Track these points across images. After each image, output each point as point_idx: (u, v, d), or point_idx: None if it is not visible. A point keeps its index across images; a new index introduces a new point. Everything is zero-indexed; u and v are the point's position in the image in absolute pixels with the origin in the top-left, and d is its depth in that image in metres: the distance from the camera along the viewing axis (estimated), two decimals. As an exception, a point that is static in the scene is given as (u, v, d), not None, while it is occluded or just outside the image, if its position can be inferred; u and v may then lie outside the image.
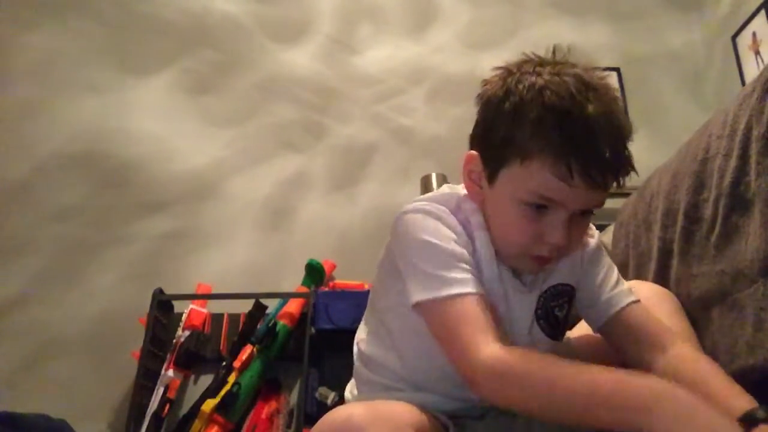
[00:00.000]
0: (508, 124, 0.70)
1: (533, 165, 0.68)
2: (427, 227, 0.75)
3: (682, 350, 0.75)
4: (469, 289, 0.70)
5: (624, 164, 0.69)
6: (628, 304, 0.81)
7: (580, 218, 0.72)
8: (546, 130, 0.67)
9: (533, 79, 0.70)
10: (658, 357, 0.75)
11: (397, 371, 0.82)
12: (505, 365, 0.64)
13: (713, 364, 0.73)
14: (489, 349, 0.65)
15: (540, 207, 0.70)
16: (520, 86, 0.70)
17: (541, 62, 0.73)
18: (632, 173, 0.72)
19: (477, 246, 0.77)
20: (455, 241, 0.74)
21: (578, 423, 0.60)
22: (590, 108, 0.66)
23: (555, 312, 0.82)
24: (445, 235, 0.74)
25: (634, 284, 0.93)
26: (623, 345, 0.80)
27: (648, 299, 0.87)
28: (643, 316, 0.80)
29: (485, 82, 0.77)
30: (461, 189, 0.82)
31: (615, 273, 0.85)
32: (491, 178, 0.74)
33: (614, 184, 0.70)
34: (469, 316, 0.69)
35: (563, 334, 0.85)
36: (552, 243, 0.71)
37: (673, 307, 0.90)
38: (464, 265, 0.72)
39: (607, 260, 0.87)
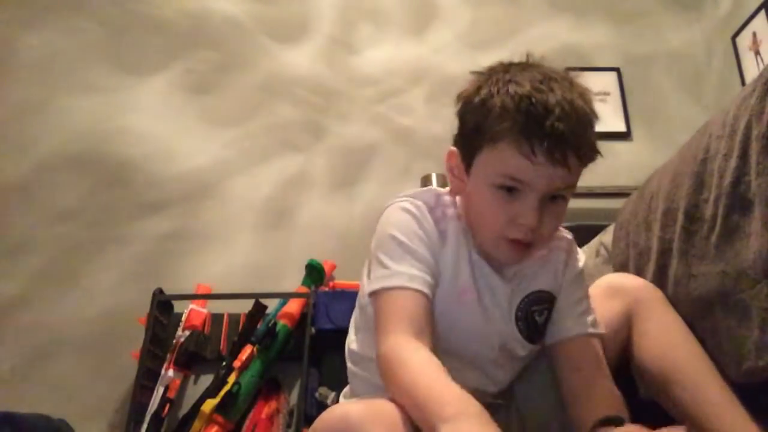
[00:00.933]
0: (477, 113, 0.77)
1: (500, 146, 0.74)
2: (399, 223, 0.81)
3: (604, 391, 0.80)
4: (414, 285, 0.75)
5: (584, 144, 0.74)
6: (589, 335, 0.85)
7: (551, 204, 0.76)
8: (510, 113, 0.73)
9: (501, 75, 0.77)
10: (583, 392, 0.80)
11: None
12: (388, 357, 0.69)
13: (619, 399, 0.79)
14: (394, 339, 0.70)
15: (511, 189, 0.75)
16: (490, 81, 0.77)
17: (511, 64, 0.80)
18: (596, 157, 0.77)
19: (449, 237, 0.82)
20: (422, 241, 0.80)
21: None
22: (551, 95, 0.72)
23: (535, 316, 0.86)
24: (413, 233, 0.80)
25: (618, 277, 0.97)
26: (565, 367, 0.85)
27: (635, 292, 0.91)
28: (592, 351, 0.84)
29: (462, 89, 0.83)
30: (444, 189, 0.89)
31: (587, 302, 0.89)
32: (467, 168, 0.80)
33: (577, 164, 0.74)
34: (399, 308, 0.74)
35: (542, 337, 0.88)
36: (525, 224, 0.74)
37: (661, 301, 0.93)
38: (419, 264, 0.77)
39: (585, 286, 0.91)
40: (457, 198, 0.87)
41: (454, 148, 0.83)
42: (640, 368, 0.89)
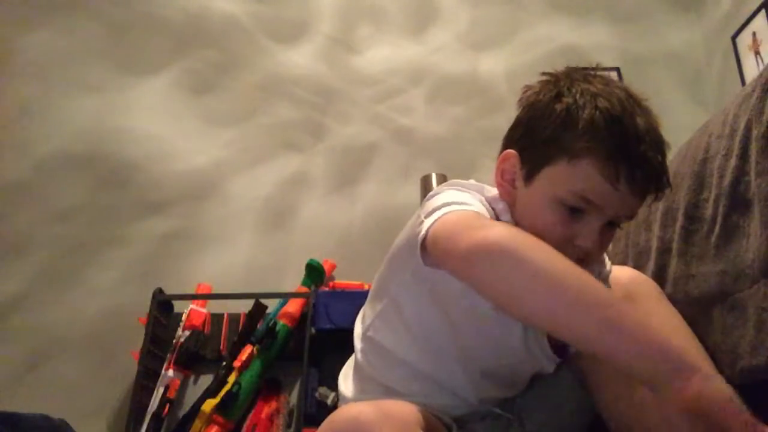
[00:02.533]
0: (558, 123, 0.71)
1: (581, 164, 0.69)
2: (464, 194, 0.75)
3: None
4: (486, 214, 0.69)
5: (665, 176, 0.71)
6: None
7: (607, 228, 0.73)
8: (599, 131, 0.68)
9: (585, 85, 0.72)
10: (628, 395, 0.75)
11: (410, 360, 0.81)
12: (498, 240, 0.60)
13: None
14: (500, 228, 0.63)
15: (575, 210, 0.70)
16: (573, 90, 0.72)
17: (588, 73, 0.76)
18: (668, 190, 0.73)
19: None
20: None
21: (555, 328, 0.57)
22: (639, 119, 0.69)
23: None
24: (478, 203, 0.74)
25: (615, 270, 0.94)
26: (598, 373, 0.81)
27: (629, 284, 0.89)
28: None
29: (528, 88, 0.78)
30: (487, 186, 0.82)
31: None
32: (529, 176, 0.74)
33: (652, 196, 0.72)
34: (483, 217, 0.68)
35: (566, 351, 0.86)
36: (582, 247, 0.71)
37: (655, 292, 0.91)
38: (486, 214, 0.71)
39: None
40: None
41: (512, 152, 0.77)
42: None
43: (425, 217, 0.71)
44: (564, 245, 0.71)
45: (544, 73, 0.77)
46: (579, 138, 0.69)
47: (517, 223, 0.76)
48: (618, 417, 0.77)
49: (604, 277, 0.87)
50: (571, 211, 0.70)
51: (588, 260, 0.74)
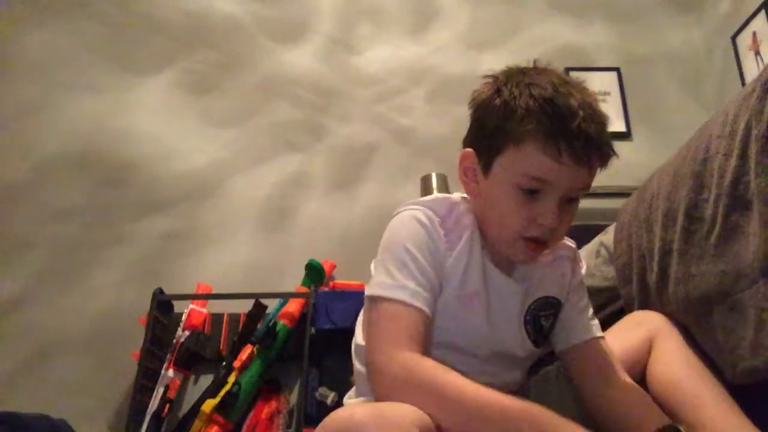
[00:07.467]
0: (499, 115, 0.78)
1: (526, 147, 0.75)
2: (411, 233, 0.82)
3: (624, 385, 0.84)
4: (417, 303, 0.76)
5: (606, 144, 0.77)
6: (598, 338, 0.89)
7: (567, 205, 0.79)
8: (536, 114, 0.75)
9: (521, 78, 0.80)
10: (604, 390, 0.83)
11: None
12: (408, 372, 0.69)
13: (640, 392, 0.83)
14: (403, 354, 0.70)
15: (533, 192, 0.77)
16: (509, 84, 0.79)
17: (525, 68, 0.83)
18: (614, 158, 0.79)
19: (461, 243, 0.83)
20: (431, 253, 0.80)
21: None
22: (572, 99, 0.75)
23: (541, 321, 0.89)
24: (424, 245, 0.80)
25: (643, 314, 1.05)
26: (580, 370, 0.88)
27: (657, 323, 0.98)
28: (605, 351, 0.88)
29: (475, 91, 0.85)
30: (457, 195, 0.90)
31: (591, 308, 0.94)
32: (486, 168, 0.81)
33: (598, 165, 0.78)
34: (401, 321, 0.74)
35: (545, 342, 0.92)
36: (545, 225, 0.77)
37: (680, 340, 0.97)
38: (423, 281, 0.78)
39: (587, 293, 0.96)
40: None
41: (469, 149, 0.84)
42: (651, 388, 0.93)
43: (374, 270, 0.83)
44: (528, 226, 0.78)
45: (486, 75, 0.85)
46: (519, 124, 0.76)
47: (481, 215, 0.85)
48: (595, 410, 0.84)
49: (580, 280, 0.94)
50: (528, 193, 0.77)
51: (552, 241, 0.81)
